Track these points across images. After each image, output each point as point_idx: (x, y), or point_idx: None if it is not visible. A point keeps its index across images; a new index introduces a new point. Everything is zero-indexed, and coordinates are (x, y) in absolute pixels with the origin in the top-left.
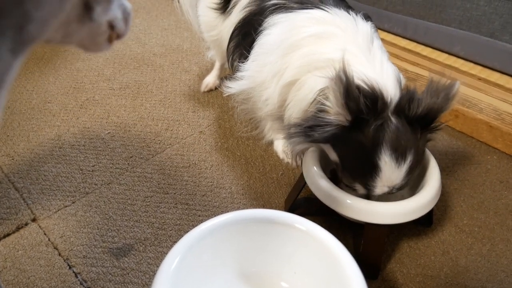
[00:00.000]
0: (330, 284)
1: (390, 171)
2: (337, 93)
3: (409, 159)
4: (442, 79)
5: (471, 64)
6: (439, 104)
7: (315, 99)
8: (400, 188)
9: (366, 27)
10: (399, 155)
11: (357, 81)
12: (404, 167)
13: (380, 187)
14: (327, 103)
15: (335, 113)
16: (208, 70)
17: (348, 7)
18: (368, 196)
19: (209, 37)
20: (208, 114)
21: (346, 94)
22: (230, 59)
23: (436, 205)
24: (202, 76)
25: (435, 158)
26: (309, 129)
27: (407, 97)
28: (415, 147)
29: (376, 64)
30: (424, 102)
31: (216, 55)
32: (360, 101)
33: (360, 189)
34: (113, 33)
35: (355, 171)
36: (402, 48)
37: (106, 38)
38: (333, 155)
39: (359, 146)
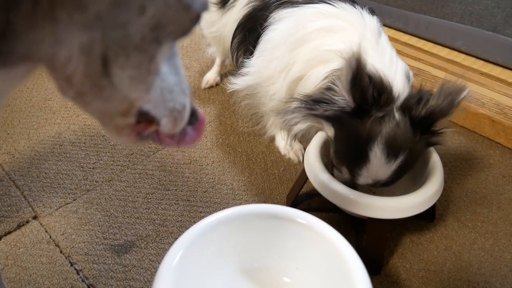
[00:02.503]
0: (333, 279)
1: (378, 165)
2: (346, 77)
3: (400, 158)
4: (455, 82)
5: (473, 59)
6: (441, 108)
7: (327, 76)
8: (385, 184)
9: (373, 21)
10: (391, 151)
11: (369, 70)
12: (393, 165)
13: (365, 177)
14: (337, 82)
15: (341, 95)
16: (209, 67)
17: (353, 2)
18: (354, 183)
19: (209, 34)
20: (209, 110)
21: (353, 81)
22: (235, 55)
23: (439, 200)
24: (202, 73)
25: (438, 153)
26: (314, 103)
27: (417, 96)
28: (410, 148)
29: (385, 58)
30: (429, 104)
31: (217, 52)
32: (368, 91)
33: (346, 173)
34: (142, 125)
35: (345, 155)
36: (404, 43)
37: (130, 127)
38: (330, 132)
39: (355, 132)
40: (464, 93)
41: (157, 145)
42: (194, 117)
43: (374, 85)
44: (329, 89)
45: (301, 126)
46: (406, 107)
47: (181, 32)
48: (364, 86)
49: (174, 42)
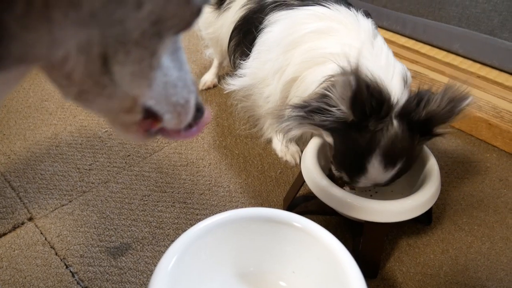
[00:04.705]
0: (329, 284)
1: (376, 174)
2: (345, 94)
3: (398, 166)
4: (459, 87)
5: (470, 62)
6: (442, 113)
7: (322, 82)
8: (384, 185)
9: (367, 23)
10: (389, 162)
11: (366, 77)
12: (392, 172)
13: (364, 183)
14: (334, 90)
15: (337, 106)
16: (206, 68)
17: (348, 4)
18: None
19: (207, 35)
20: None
21: (354, 98)
22: (232, 57)
23: (436, 203)
24: (200, 74)
25: (434, 156)
26: (309, 112)
27: (417, 99)
28: (408, 154)
29: (381, 60)
30: (430, 108)
31: (215, 53)
32: (367, 105)
33: (345, 177)
34: (149, 121)
35: (344, 163)
36: (401, 45)
37: (136, 123)
38: (329, 139)
39: (353, 144)
40: (468, 101)
41: (153, 147)
42: (200, 113)
43: (373, 95)
44: (324, 96)
45: (296, 132)
46: (404, 113)
47: (183, 26)
48: (364, 101)
49: (177, 36)
